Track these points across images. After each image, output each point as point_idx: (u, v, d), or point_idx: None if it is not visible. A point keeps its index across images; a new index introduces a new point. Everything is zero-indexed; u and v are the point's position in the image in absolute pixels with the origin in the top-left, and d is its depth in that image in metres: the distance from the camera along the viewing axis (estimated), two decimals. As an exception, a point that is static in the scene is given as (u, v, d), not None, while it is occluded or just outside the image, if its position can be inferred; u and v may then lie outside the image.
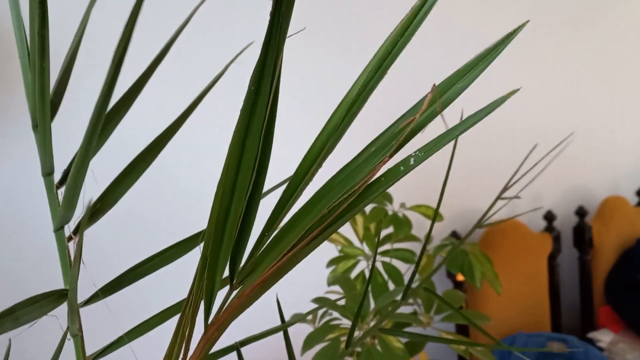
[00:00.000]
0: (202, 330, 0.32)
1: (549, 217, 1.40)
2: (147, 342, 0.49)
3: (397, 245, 0.87)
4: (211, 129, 0.96)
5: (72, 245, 0.40)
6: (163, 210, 0.97)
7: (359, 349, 0.61)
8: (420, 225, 1.15)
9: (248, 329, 0.45)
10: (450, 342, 0.43)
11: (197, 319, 0.32)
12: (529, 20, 0.31)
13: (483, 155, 1.33)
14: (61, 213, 0.36)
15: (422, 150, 0.29)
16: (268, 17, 0.26)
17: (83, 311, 0.41)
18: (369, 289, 0.80)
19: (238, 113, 0.27)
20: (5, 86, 0.83)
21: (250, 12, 1.00)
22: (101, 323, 0.58)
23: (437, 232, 1.30)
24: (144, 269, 0.43)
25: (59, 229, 0.38)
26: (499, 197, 0.54)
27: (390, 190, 0.91)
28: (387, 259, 0.86)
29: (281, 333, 0.42)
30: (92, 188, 0.38)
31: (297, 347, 0.59)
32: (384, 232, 0.89)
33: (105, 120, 0.41)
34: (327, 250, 0.89)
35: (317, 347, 0.66)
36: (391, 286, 0.90)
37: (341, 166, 0.31)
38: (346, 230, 0.89)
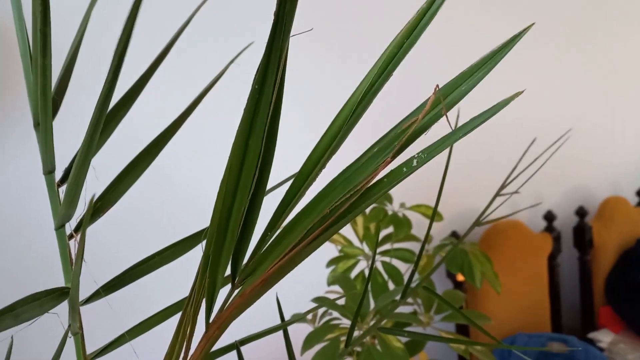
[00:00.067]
0: (204, 329, 0.32)
1: (549, 217, 1.40)
2: (148, 341, 0.49)
3: (397, 245, 0.87)
4: (212, 128, 0.96)
5: (72, 244, 0.40)
6: (164, 209, 0.97)
7: (358, 349, 0.61)
8: (420, 225, 1.15)
9: (249, 328, 0.45)
10: (450, 341, 0.43)
11: (199, 317, 0.32)
12: (534, 23, 0.31)
13: (483, 156, 1.33)
14: (62, 211, 0.36)
15: (425, 151, 0.29)
16: (268, 18, 0.26)
17: (84, 309, 0.41)
18: (369, 288, 0.80)
19: (238, 113, 0.27)
20: (8, 87, 0.83)
21: (250, 12, 1.00)
22: (102, 321, 0.58)
23: (437, 232, 1.30)
24: (145, 267, 0.43)
25: (60, 227, 0.38)
26: (497, 194, 0.54)
27: (390, 190, 0.91)
28: (387, 259, 0.86)
29: (282, 333, 0.42)
30: (93, 187, 0.38)
31: (297, 346, 0.60)
32: (384, 232, 0.89)
33: (106, 119, 0.41)
34: (328, 250, 0.89)
35: (317, 347, 0.66)
36: (391, 286, 0.90)
37: (344, 167, 0.32)
38: (346, 230, 0.89)
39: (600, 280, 1.45)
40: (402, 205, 0.93)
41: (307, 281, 0.90)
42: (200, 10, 0.50)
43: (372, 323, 0.69)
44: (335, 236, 0.88)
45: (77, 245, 0.36)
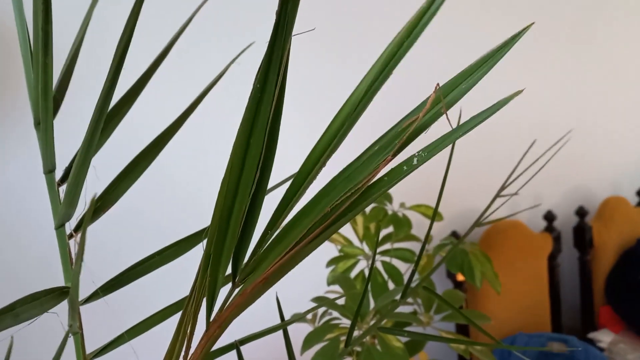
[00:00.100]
0: (204, 328, 0.32)
1: (549, 217, 1.40)
2: (147, 340, 0.49)
3: (397, 245, 0.87)
4: (212, 128, 0.96)
5: (72, 243, 0.40)
6: (164, 209, 0.97)
7: (358, 349, 0.61)
8: (420, 225, 1.15)
9: (249, 327, 0.45)
10: (450, 341, 0.43)
11: (199, 316, 0.32)
12: (533, 23, 0.31)
13: (483, 155, 1.33)
14: (62, 211, 0.36)
15: (426, 150, 0.29)
16: (269, 18, 0.26)
17: (84, 309, 0.41)
18: (369, 288, 0.80)
19: (239, 112, 0.27)
20: (8, 87, 0.83)
21: (251, 12, 1.00)
22: (102, 321, 0.58)
23: (438, 232, 1.30)
24: (144, 267, 0.43)
25: (59, 227, 0.38)
26: (497, 195, 0.54)
27: (390, 189, 0.91)
28: (387, 259, 0.86)
29: (282, 332, 0.42)
30: (93, 186, 0.38)
31: (297, 346, 0.60)
32: (384, 232, 0.89)
33: (106, 119, 0.41)
34: (328, 249, 0.89)
35: (317, 347, 0.66)
36: (391, 286, 0.90)
37: (345, 165, 0.32)
38: (346, 230, 0.89)
39: (601, 280, 1.45)
40: (402, 205, 0.93)
41: (307, 281, 0.90)
42: (201, 10, 0.50)
43: (372, 323, 0.69)
44: (335, 236, 0.88)
45: (77, 244, 0.36)
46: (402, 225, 0.86)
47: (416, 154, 0.29)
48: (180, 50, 0.86)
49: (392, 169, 0.30)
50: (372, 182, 0.30)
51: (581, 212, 1.44)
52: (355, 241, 0.90)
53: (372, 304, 0.76)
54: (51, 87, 0.34)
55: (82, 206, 0.37)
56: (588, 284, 1.45)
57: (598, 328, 1.43)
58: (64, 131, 0.57)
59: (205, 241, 0.30)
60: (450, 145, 0.31)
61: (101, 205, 0.41)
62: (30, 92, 0.36)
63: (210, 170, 0.96)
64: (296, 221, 0.30)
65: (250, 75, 0.27)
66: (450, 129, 0.30)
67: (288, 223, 0.31)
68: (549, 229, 1.40)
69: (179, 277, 0.67)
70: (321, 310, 0.85)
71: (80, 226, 0.41)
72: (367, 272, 0.86)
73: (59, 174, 0.40)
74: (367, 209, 0.89)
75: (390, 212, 0.89)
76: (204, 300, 0.31)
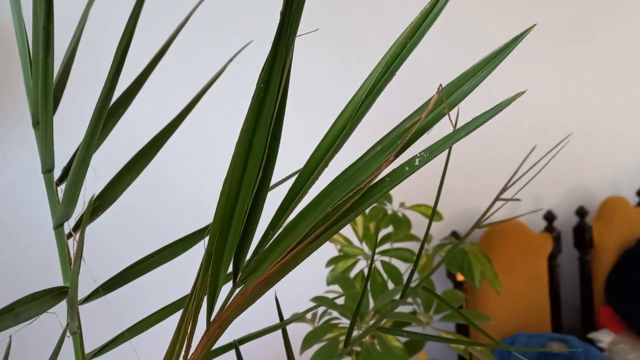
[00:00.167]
0: (204, 327, 0.32)
1: (549, 217, 1.40)
2: (147, 340, 0.49)
3: (396, 245, 0.87)
4: (211, 127, 0.96)
5: (71, 243, 0.40)
6: (163, 208, 0.97)
7: (358, 348, 0.61)
8: (420, 225, 1.15)
9: (249, 327, 0.45)
10: (450, 341, 0.43)
11: (199, 315, 0.32)
12: (535, 24, 0.31)
13: (484, 156, 1.33)
14: (61, 210, 0.36)
15: (428, 151, 0.29)
16: (269, 18, 0.26)
17: (83, 308, 0.41)
18: (368, 288, 0.80)
19: (238, 112, 0.27)
20: (8, 87, 0.83)
21: (250, 12, 1.00)
22: (101, 320, 0.58)
23: (438, 232, 1.30)
24: (144, 266, 0.43)
25: (58, 226, 0.38)
26: (497, 198, 0.54)
27: (391, 190, 0.91)
28: (386, 259, 0.86)
29: (281, 332, 0.42)
30: (91, 186, 0.38)
31: (297, 346, 0.60)
32: (383, 232, 0.89)
33: (106, 117, 0.41)
34: (328, 249, 0.89)
35: (317, 347, 0.66)
36: (390, 285, 0.90)
37: (347, 166, 0.32)
38: (346, 229, 0.89)
39: (601, 280, 1.45)
40: (402, 204, 0.93)
41: (307, 280, 0.90)
42: (201, 10, 0.50)
43: (371, 323, 0.69)
44: (335, 236, 0.88)
45: (76, 244, 0.36)
46: (401, 225, 0.86)
47: (418, 155, 0.29)
48: (180, 50, 0.86)
49: (394, 170, 0.30)
50: (374, 182, 0.30)
51: (581, 212, 1.44)
52: (355, 241, 0.90)
53: (371, 304, 0.76)
54: (51, 86, 0.34)
55: (81, 206, 0.37)
56: (588, 284, 1.45)
57: (598, 328, 1.43)
58: (62, 131, 0.57)
59: (206, 240, 0.30)
60: (456, 146, 0.31)
61: (100, 204, 0.41)
62: (28, 92, 0.36)
63: (209, 170, 0.96)
64: (298, 221, 0.30)
65: (250, 76, 0.27)
66: (452, 129, 0.30)
67: (290, 223, 0.31)
68: (549, 229, 1.39)
69: (179, 276, 0.67)
70: (321, 310, 0.85)
71: (79, 226, 0.41)
72: (366, 272, 0.86)
73: (57, 173, 0.40)
74: (367, 209, 0.88)
75: (390, 212, 0.89)
76: (205, 299, 0.31)
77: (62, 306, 0.37)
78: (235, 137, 0.28)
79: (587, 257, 1.44)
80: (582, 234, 1.43)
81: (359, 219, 0.88)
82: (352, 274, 0.85)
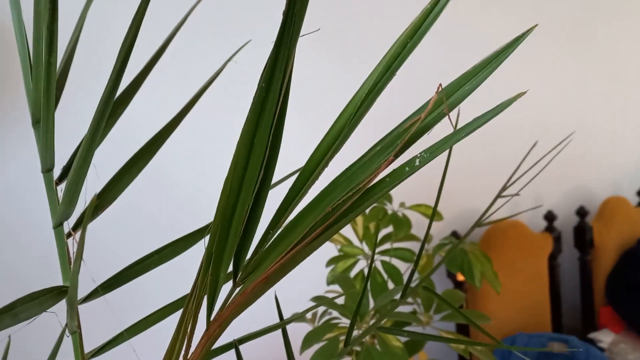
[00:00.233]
0: (204, 327, 0.32)
1: (550, 217, 1.40)
2: (147, 339, 0.49)
3: (397, 245, 0.87)
4: (210, 127, 0.96)
5: (71, 242, 0.40)
6: (162, 208, 0.97)
7: (358, 348, 0.61)
8: (420, 224, 1.15)
9: (249, 326, 0.45)
10: (450, 341, 0.43)
11: (199, 315, 0.32)
12: (537, 25, 0.31)
13: (485, 156, 1.33)
14: (61, 209, 0.36)
15: (428, 151, 0.29)
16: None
17: (82, 308, 0.41)
18: (368, 287, 0.80)
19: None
20: (8, 87, 0.84)
21: (250, 12, 1.00)
22: (101, 320, 0.58)
23: (438, 232, 1.30)
24: (143, 266, 0.43)
25: (58, 226, 0.38)
26: (498, 196, 0.54)
27: (391, 190, 0.91)
28: (386, 258, 0.86)
29: (281, 332, 0.42)
30: (91, 186, 0.38)
31: (297, 346, 0.59)
32: (384, 232, 0.89)
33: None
34: (329, 249, 0.89)
35: (316, 346, 0.66)
36: (391, 285, 0.90)
37: (347, 166, 0.32)
38: (346, 229, 0.89)
39: (601, 280, 1.45)
40: (402, 204, 0.92)
41: (308, 280, 0.90)
42: (200, 10, 0.50)
43: (371, 322, 0.69)
44: (335, 235, 0.88)
45: (75, 243, 0.36)
46: (401, 225, 0.86)
47: (418, 155, 0.29)
48: (179, 50, 0.86)
49: (394, 170, 0.30)
50: (374, 182, 0.30)
51: (582, 212, 1.44)
52: (355, 241, 0.90)
53: (371, 304, 0.76)
54: (54, 85, 0.34)
55: (79, 205, 0.37)
56: (588, 284, 1.45)
57: (599, 328, 1.43)
58: (61, 131, 0.57)
59: (206, 240, 0.30)
60: (456, 146, 0.31)
61: (99, 203, 0.41)
62: (28, 91, 0.36)
63: (208, 171, 0.96)
64: (298, 220, 0.30)
65: (249, 76, 0.27)
66: (453, 130, 0.30)
67: (290, 222, 0.31)
68: (550, 229, 1.39)
69: (178, 275, 0.67)
70: (321, 309, 0.85)
71: (79, 225, 0.41)
72: (366, 272, 0.86)
73: (56, 173, 0.40)
74: (367, 209, 0.88)
75: (390, 212, 0.89)
76: (205, 298, 0.31)
77: (61, 306, 0.37)
78: (234, 138, 0.28)
79: (587, 257, 1.44)
80: (583, 234, 1.43)
81: (359, 219, 0.88)
82: (352, 273, 0.85)
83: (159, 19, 0.75)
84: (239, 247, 0.30)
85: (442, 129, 0.32)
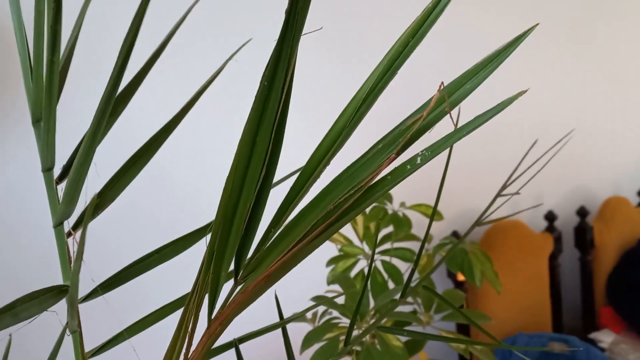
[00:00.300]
0: (205, 325, 0.32)
1: (550, 217, 1.40)
2: (147, 338, 0.49)
3: (397, 245, 0.87)
4: (210, 127, 0.96)
5: (71, 241, 0.40)
6: (162, 207, 0.97)
7: (358, 348, 0.61)
8: (420, 224, 1.15)
9: (250, 326, 0.45)
10: (450, 340, 0.43)
11: (200, 313, 0.32)
12: (538, 24, 0.31)
13: (485, 155, 1.33)
14: (62, 208, 0.36)
15: (429, 149, 0.29)
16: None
17: (83, 307, 0.41)
18: (368, 287, 0.80)
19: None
20: (8, 87, 0.84)
21: (250, 12, 1.00)
22: (101, 319, 0.58)
23: (438, 232, 1.30)
24: (143, 265, 0.43)
25: (58, 225, 0.38)
26: (498, 195, 0.54)
27: (392, 189, 0.91)
28: (387, 258, 0.86)
29: (281, 331, 0.42)
30: (91, 184, 0.38)
31: (297, 345, 0.59)
32: (384, 231, 0.89)
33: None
34: (329, 249, 0.89)
35: (317, 346, 0.66)
36: (391, 285, 0.90)
37: (348, 164, 0.32)
38: (346, 229, 0.89)
39: (602, 280, 1.45)
40: (402, 204, 0.92)
41: (309, 278, 0.90)
42: (200, 10, 0.50)
43: (371, 322, 0.69)
44: (335, 235, 0.88)
45: (75, 242, 0.36)
46: (402, 224, 0.86)
47: (420, 153, 0.29)
48: (179, 49, 0.86)
49: (395, 168, 0.30)
50: (375, 180, 0.30)
51: (582, 212, 1.44)
52: (356, 241, 0.90)
53: (372, 304, 0.76)
54: (57, 84, 0.34)
55: (79, 204, 0.37)
56: (589, 284, 1.45)
57: (599, 328, 1.43)
58: (60, 131, 0.57)
59: (208, 238, 0.30)
60: (457, 145, 0.31)
61: (99, 202, 0.41)
62: (28, 90, 0.36)
63: (208, 171, 0.96)
64: (299, 219, 0.30)
65: (249, 76, 0.27)
66: (454, 128, 0.30)
67: (291, 221, 0.31)
68: (550, 229, 1.39)
69: (179, 275, 0.67)
70: (321, 309, 0.85)
71: (79, 224, 0.41)
72: (367, 272, 0.86)
73: (56, 172, 0.39)
74: (368, 209, 0.88)
75: (390, 212, 0.89)
76: (206, 297, 0.31)
77: (61, 305, 0.37)
78: (234, 137, 0.28)
79: (588, 257, 1.44)
80: (583, 234, 1.43)
81: (360, 219, 0.88)
82: (353, 273, 0.85)
83: (159, 18, 0.75)
84: (241, 245, 0.30)
85: (443, 128, 0.32)
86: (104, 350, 0.43)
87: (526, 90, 0.29)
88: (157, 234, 0.57)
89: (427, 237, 0.71)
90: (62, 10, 0.31)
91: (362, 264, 0.89)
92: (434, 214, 0.41)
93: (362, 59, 1.07)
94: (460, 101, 0.31)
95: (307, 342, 0.67)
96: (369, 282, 0.80)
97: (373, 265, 0.73)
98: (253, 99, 0.27)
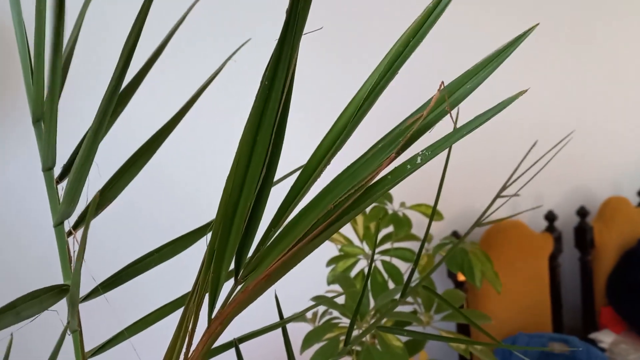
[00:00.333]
0: (205, 325, 0.32)
1: (550, 217, 1.40)
2: (147, 338, 0.49)
3: (397, 245, 0.87)
4: (209, 127, 0.96)
5: (71, 241, 0.40)
6: (162, 207, 0.97)
7: (358, 348, 0.61)
8: (420, 224, 1.15)
9: (250, 326, 0.45)
10: (450, 340, 0.43)
11: (200, 313, 0.32)
12: (538, 23, 0.31)
13: (485, 155, 1.33)
14: (62, 208, 0.36)
15: (430, 149, 0.29)
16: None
17: (84, 307, 0.41)
18: (368, 287, 0.80)
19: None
20: (8, 87, 0.84)
21: (250, 12, 1.00)
22: (101, 319, 0.58)
23: (439, 232, 1.30)
24: (143, 264, 0.43)
25: (58, 224, 0.38)
26: (498, 195, 0.54)
27: (392, 189, 0.91)
28: (387, 258, 0.86)
29: (282, 331, 0.42)
30: (92, 184, 0.38)
31: (297, 345, 0.59)
32: (384, 231, 0.89)
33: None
34: (330, 249, 0.89)
35: (317, 346, 0.66)
36: (391, 285, 0.90)
37: (349, 163, 0.32)
38: (346, 229, 0.89)
39: (602, 280, 1.45)
40: (402, 204, 0.92)
41: (310, 278, 0.90)
42: (200, 10, 0.50)
43: (371, 322, 0.69)
44: (335, 235, 0.88)
45: (76, 242, 0.36)
46: (402, 224, 0.86)
47: (420, 153, 0.29)
48: (179, 49, 0.86)
49: (395, 168, 0.30)
50: (375, 180, 0.30)
51: (582, 212, 1.44)
52: (356, 240, 0.90)
53: (372, 303, 0.76)
54: (58, 84, 0.34)
55: (79, 204, 0.37)
56: (589, 284, 1.45)
57: (599, 328, 1.43)
58: (60, 131, 0.57)
59: (208, 238, 0.30)
60: (457, 145, 0.31)
61: (100, 202, 0.41)
62: (28, 89, 0.36)
63: (207, 171, 0.96)
64: (300, 218, 0.30)
65: (249, 76, 0.27)
66: (454, 128, 0.30)
67: (292, 220, 0.31)
68: (550, 229, 1.39)
69: (178, 274, 0.67)
70: (321, 309, 0.85)
71: (79, 224, 0.41)
72: (367, 272, 0.86)
73: (56, 172, 0.39)
74: (368, 209, 0.88)
75: (390, 212, 0.89)
76: (206, 296, 0.31)
77: (62, 304, 0.37)
78: (234, 137, 0.28)
79: (588, 257, 1.44)
80: (583, 234, 1.43)
81: (360, 219, 0.88)
82: (353, 273, 0.85)
83: (159, 18, 0.75)
84: (241, 244, 0.30)
85: (443, 128, 0.32)
86: (104, 349, 0.43)
87: (526, 90, 0.29)
88: (157, 234, 0.57)
89: (427, 237, 0.71)
90: (55, 10, 0.31)
91: (362, 264, 0.89)
92: (433, 214, 0.41)
93: (362, 59, 1.07)
94: (460, 101, 0.31)
95: (307, 342, 0.67)
96: (369, 282, 0.80)
97: (373, 265, 0.73)
98: (253, 99, 0.27)
